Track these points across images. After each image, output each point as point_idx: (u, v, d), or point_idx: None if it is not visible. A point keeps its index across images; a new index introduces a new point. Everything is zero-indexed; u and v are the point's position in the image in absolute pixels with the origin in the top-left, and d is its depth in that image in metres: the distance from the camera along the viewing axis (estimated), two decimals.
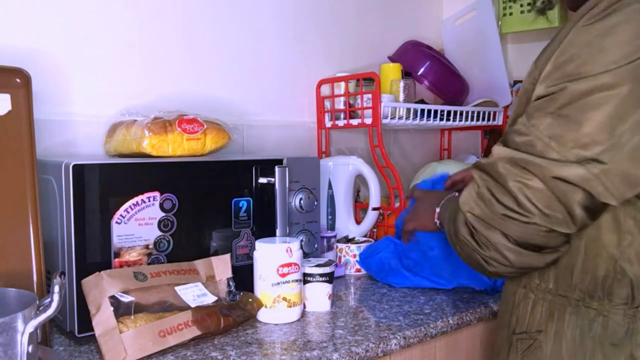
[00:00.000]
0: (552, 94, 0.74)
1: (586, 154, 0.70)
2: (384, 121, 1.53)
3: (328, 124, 1.66)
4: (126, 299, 0.91)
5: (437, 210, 1.05)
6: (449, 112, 1.68)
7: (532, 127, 0.74)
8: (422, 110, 1.61)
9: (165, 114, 1.14)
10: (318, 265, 1.13)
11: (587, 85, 0.71)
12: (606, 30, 0.71)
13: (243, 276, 1.11)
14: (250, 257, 1.14)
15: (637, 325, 0.75)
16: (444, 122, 1.68)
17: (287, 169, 1.15)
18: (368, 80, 1.61)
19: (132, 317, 0.90)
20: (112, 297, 0.90)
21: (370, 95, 1.52)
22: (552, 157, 0.72)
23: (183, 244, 1.06)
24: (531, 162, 0.73)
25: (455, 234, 0.85)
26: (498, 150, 0.78)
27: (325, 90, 1.67)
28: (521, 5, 1.81)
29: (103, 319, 0.88)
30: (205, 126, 1.15)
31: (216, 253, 1.10)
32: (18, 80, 0.96)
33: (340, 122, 1.62)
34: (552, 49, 0.77)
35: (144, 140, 1.08)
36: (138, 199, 1.00)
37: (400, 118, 1.56)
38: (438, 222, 1.05)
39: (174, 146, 1.11)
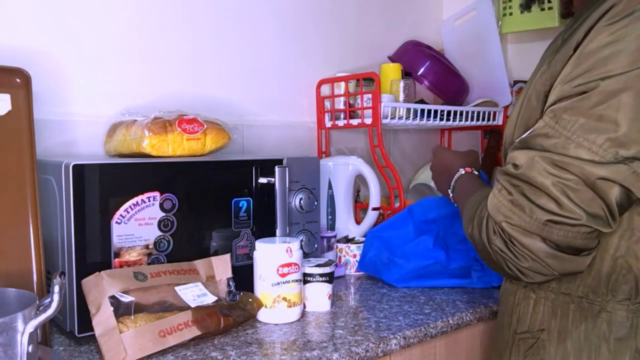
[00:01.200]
0: (583, 93, 0.72)
1: (626, 153, 0.70)
2: (384, 121, 1.53)
3: (328, 124, 1.66)
4: (126, 299, 0.91)
5: (451, 191, 1.05)
6: (449, 112, 1.68)
7: (563, 129, 0.72)
8: (422, 110, 1.61)
9: (165, 114, 1.14)
10: (318, 265, 1.13)
11: (619, 83, 0.70)
12: (633, 27, 0.70)
13: (243, 276, 1.11)
14: (250, 257, 1.14)
15: None
16: (444, 122, 1.68)
17: (287, 169, 1.15)
18: (368, 80, 1.61)
19: (132, 317, 0.90)
20: (112, 297, 0.90)
21: (370, 95, 1.52)
22: (589, 158, 0.70)
23: (183, 244, 1.06)
24: (570, 163, 0.71)
25: (486, 243, 0.80)
26: (525, 154, 0.76)
27: (325, 90, 1.67)
28: (520, 5, 1.81)
29: (103, 319, 0.88)
30: (205, 126, 1.15)
31: (216, 253, 1.10)
32: (18, 80, 0.96)
33: (340, 122, 1.62)
34: (566, 49, 0.77)
35: (144, 140, 1.08)
36: (138, 199, 1.00)
37: (400, 118, 1.56)
38: (455, 204, 1.04)
39: (174, 146, 1.11)
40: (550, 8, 1.75)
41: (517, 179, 0.76)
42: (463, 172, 1.03)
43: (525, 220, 0.74)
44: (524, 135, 0.78)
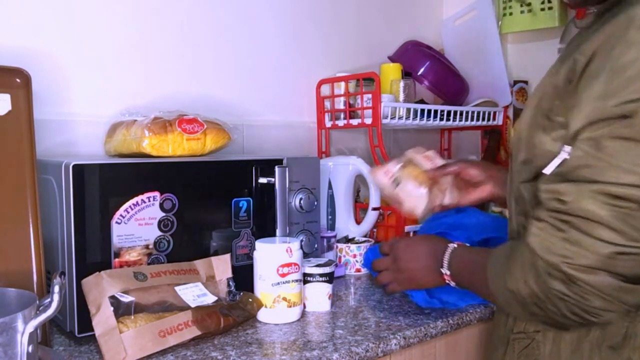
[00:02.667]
0: (623, 116, 0.67)
1: None
2: (384, 121, 1.53)
3: (328, 124, 1.66)
4: (126, 299, 0.91)
5: (445, 268, 0.94)
6: (449, 112, 1.68)
7: (609, 156, 0.67)
8: (422, 110, 1.61)
9: (165, 114, 1.14)
10: (318, 265, 1.13)
11: None
12: None
13: (243, 276, 1.11)
14: (250, 257, 1.14)
15: (636, 328, 0.74)
16: (444, 122, 1.68)
17: (287, 169, 1.15)
18: (368, 80, 1.61)
19: (132, 317, 0.90)
20: (112, 297, 0.90)
21: (370, 95, 1.52)
22: None
23: (183, 244, 1.06)
24: (624, 191, 0.67)
25: (540, 292, 0.72)
26: (571, 187, 0.70)
27: (325, 90, 1.67)
28: (521, 5, 1.81)
29: (103, 319, 0.88)
30: (205, 126, 1.15)
31: (216, 253, 1.10)
32: (18, 80, 0.96)
33: (340, 122, 1.62)
34: (586, 51, 0.72)
35: (144, 140, 1.08)
36: (138, 199, 1.00)
37: (400, 118, 1.56)
38: (453, 282, 0.94)
39: (174, 146, 1.11)
40: (550, 8, 1.75)
41: (567, 215, 0.70)
42: (455, 245, 0.95)
43: (587, 257, 0.68)
44: (560, 168, 0.73)
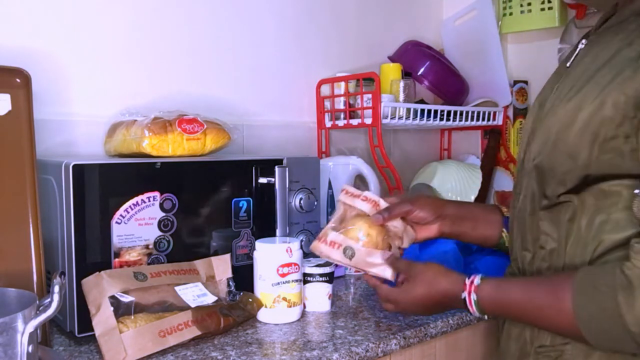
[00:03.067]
0: None
1: None
2: (384, 121, 1.53)
3: (328, 124, 1.66)
4: (126, 299, 0.91)
5: (479, 311, 0.85)
6: (449, 112, 1.68)
7: None
8: (422, 110, 1.61)
9: (165, 114, 1.14)
10: (318, 265, 1.13)
11: None
12: None
13: (243, 276, 1.11)
14: (250, 257, 1.14)
15: None
16: (444, 122, 1.68)
17: (287, 169, 1.15)
18: (368, 80, 1.61)
19: (132, 317, 0.90)
20: (112, 297, 0.90)
21: (370, 95, 1.52)
22: None
23: (183, 244, 1.06)
24: None
25: None
26: None
27: (325, 90, 1.67)
28: (521, 5, 1.81)
29: (103, 319, 0.88)
30: (205, 126, 1.15)
31: (216, 253, 1.10)
32: (18, 80, 0.96)
33: (340, 122, 1.62)
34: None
35: (144, 140, 1.08)
36: (138, 199, 1.00)
37: (400, 118, 1.56)
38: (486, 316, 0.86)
39: (174, 146, 1.11)
40: (550, 8, 1.75)
41: None
42: (477, 281, 0.85)
43: None
44: None
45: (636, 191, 0.72)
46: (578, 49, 0.88)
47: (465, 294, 0.86)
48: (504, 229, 1.02)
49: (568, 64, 0.88)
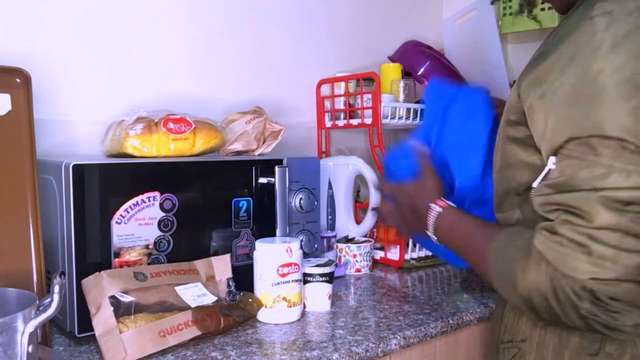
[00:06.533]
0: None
1: None
2: (384, 121, 1.53)
3: (328, 124, 1.66)
4: (126, 299, 0.91)
5: (432, 232, 0.92)
6: None
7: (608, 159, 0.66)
8: (422, 110, 1.61)
9: (152, 114, 1.13)
10: (318, 265, 1.13)
11: None
12: None
13: (243, 276, 1.11)
14: (250, 257, 1.14)
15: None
16: None
17: (287, 169, 1.15)
18: (368, 80, 1.61)
19: (132, 317, 0.90)
20: (112, 297, 0.90)
21: (370, 95, 1.52)
22: None
23: (183, 244, 1.06)
24: (635, 194, 0.64)
25: (571, 312, 0.68)
26: (578, 197, 0.67)
27: (325, 90, 1.67)
28: (521, 6, 1.81)
29: (103, 319, 0.88)
30: (193, 125, 1.12)
31: (216, 253, 1.10)
32: (18, 80, 0.96)
33: (340, 122, 1.62)
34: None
35: (127, 140, 1.07)
36: (138, 199, 1.00)
37: (400, 118, 1.56)
38: (435, 237, 0.92)
39: (159, 146, 1.09)
40: (550, 8, 1.75)
41: (584, 227, 0.66)
42: (438, 209, 0.91)
43: (614, 269, 0.64)
44: (553, 180, 0.71)
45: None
46: None
47: (434, 205, 0.92)
48: None
49: None
